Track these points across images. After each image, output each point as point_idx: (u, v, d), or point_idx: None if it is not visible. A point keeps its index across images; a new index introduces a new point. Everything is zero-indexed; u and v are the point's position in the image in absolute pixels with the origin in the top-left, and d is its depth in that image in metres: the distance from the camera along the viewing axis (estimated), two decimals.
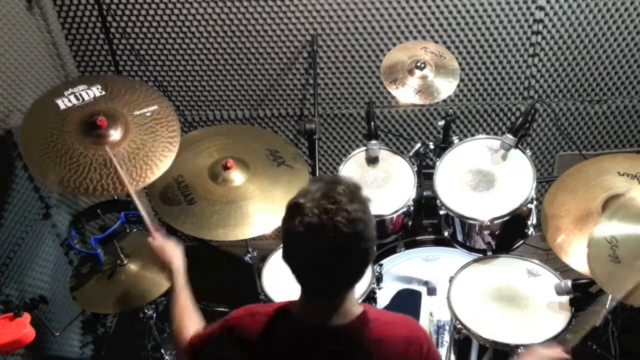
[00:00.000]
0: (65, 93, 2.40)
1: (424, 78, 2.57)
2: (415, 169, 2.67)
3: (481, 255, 2.51)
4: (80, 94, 2.41)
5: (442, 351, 2.56)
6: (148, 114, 2.42)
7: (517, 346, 2.14)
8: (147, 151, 2.32)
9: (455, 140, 2.72)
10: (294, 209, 1.36)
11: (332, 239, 1.32)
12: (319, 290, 1.46)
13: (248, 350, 1.51)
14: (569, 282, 2.20)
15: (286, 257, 1.43)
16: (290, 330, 1.49)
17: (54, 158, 2.23)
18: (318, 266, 1.38)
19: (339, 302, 1.46)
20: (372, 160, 2.71)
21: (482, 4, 2.86)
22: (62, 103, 2.37)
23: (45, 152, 2.24)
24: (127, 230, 2.68)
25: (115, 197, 2.67)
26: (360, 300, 2.19)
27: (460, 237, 2.57)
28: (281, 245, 2.51)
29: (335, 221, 1.32)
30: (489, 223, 2.38)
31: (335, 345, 1.46)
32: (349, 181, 1.41)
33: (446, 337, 2.55)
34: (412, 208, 2.60)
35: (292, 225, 1.35)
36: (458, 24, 2.93)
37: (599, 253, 1.98)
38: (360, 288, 2.33)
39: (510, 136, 2.48)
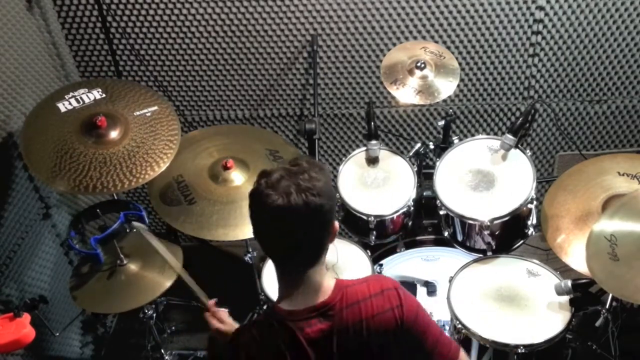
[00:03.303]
0: (66, 96, 2.42)
1: (424, 78, 2.57)
2: (415, 169, 2.67)
3: (481, 255, 2.51)
4: (81, 97, 2.43)
5: None
6: (148, 114, 2.43)
7: (517, 346, 2.14)
8: (147, 149, 2.32)
9: (455, 140, 2.72)
10: (261, 174, 1.48)
11: (291, 194, 1.41)
12: (288, 261, 1.52)
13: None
14: (569, 282, 2.20)
15: (254, 223, 1.50)
16: (282, 323, 1.52)
17: (54, 158, 2.24)
18: (281, 226, 1.44)
19: (312, 279, 1.52)
20: (372, 160, 2.70)
21: (482, 4, 2.86)
22: (63, 106, 2.39)
23: (46, 152, 2.25)
24: (127, 230, 2.68)
25: (115, 197, 2.68)
26: None
27: (460, 237, 2.57)
28: None
29: (296, 179, 1.43)
30: (489, 223, 2.38)
31: (323, 322, 1.51)
32: (311, 158, 1.56)
33: None
34: (412, 208, 2.60)
35: (257, 185, 1.46)
36: (458, 24, 2.93)
37: (598, 251, 1.98)
38: None
39: (510, 136, 2.48)
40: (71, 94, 2.43)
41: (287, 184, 1.42)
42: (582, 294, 2.20)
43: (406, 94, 2.56)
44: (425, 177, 2.78)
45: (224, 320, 1.83)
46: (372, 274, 2.49)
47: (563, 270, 2.35)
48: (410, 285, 2.70)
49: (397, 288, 1.60)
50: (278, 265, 1.55)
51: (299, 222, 1.44)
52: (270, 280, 2.51)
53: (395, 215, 2.56)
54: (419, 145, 2.79)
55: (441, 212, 2.52)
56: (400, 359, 1.60)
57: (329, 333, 1.51)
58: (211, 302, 1.89)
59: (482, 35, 2.95)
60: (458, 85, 2.69)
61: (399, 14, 2.91)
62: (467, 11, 2.89)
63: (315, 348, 1.51)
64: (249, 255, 2.88)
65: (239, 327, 1.67)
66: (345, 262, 2.50)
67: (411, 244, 2.80)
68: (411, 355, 1.60)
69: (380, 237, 2.62)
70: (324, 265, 1.56)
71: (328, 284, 1.55)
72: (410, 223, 2.69)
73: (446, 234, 2.60)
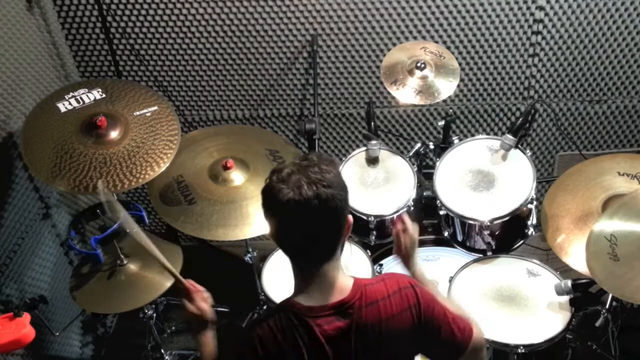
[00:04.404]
0: (66, 97, 2.42)
1: (424, 78, 2.57)
2: (415, 169, 2.67)
3: (481, 255, 2.51)
4: (81, 97, 2.43)
5: None
6: (148, 114, 2.43)
7: (517, 346, 2.14)
8: (147, 149, 2.32)
9: (455, 140, 2.72)
10: (272, 171, 1.49)
11: (302, 188, 1.41)
12: (304, 256, 1.52)
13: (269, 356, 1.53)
14: (569, 282, 2.21)
15: (268, 218, 1.49)
16: (300, 319, 1.51)
17: (54, 158, 2.24)
18: (294, 220, 1.45)
19: (329, 275, 1.52)
20: (372, 160, 2.71)
21: (482, 4, 2.86)
22: (63, 106, 2.39)
23: (46, 152, 2.25)
24: (127, 231, 2.68)
25: (115, 197, 2.67)
26: None
27: (460, 237, 2.57)
28: None
29: (306, 172, 1.44)
30: (489, 223, 2.38)
31: (341, 320, 1.51)
32: (320, 152, 1.56)
33: None
34: (412, 208, 2.60)
35: (269, 181, 1.47)
36: (458, 24, 2.93)
37: (599, 251, 1.98)
38: None
39: (510, 136, 2.48)
40: (71, 94, 2.44)
41: (297, 178, 1.43)
42: (582, 294, 2.20)
43: (406, 94, 2.57)
44: (425, 177, 2.78)
45: (206, 302, 1.79)
46: (372, 273, 2.49)
47: (563, 270, 2.35)
48: None
49: (414, 285, 1.60)
50: (294, 260, 1.54)
51: (312, 215, 1.43)
52: (270, 280, 2.51)
53: (395, 215, 2.56)
54: (419, 145, 2.79)
55: (441, 212, 2.53)
56: (418, 352, 1.61)
57: (348, 331, 1.51)
58: (191, 282, 1.83)
59: (482, 35, 2.95)
60: (458, 85, 2.69)
61: (399, 14, 2.91)
62: (467, 11, 2.89)
63: (333, 345, 1.51)
64: (249, 255, 2.88)
65: (252, 320, 1.66)
66: (345, 262, 2.49)
67: None
68: (428, 346, 1.60)
69: (380, 237, 2.62)
70: (340, 260, 1.56)
71: (346, 282, 1.55)
72: None
73: (446, 234, 2.60)
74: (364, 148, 2.73)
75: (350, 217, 1.52)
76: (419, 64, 2.57)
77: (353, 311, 1.51)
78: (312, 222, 1.45)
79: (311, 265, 1.53)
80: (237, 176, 2.56)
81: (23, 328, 1.93)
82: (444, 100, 2.82)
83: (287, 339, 1.51)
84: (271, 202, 1.47)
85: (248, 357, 1.54)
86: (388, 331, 1.53)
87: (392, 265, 2.75)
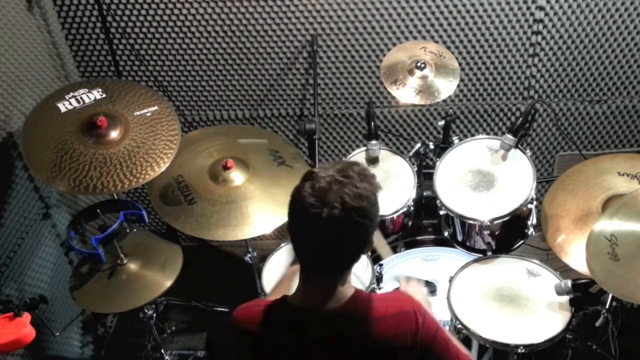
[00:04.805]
0: (66, 96, 2.42)
1: (424, 78, 2.57)
2: (415, 169, 2.67)
3: (481, 255, 2.51)
4: (81, 97, 2.44)
5: None
6: (148, 114, 2.43)
7: (517, 346, 2.14)
8: (147, 149, 2.33)
9: (455, 140, 2.72)
10: (308, 175, 1.44)
11: (336, 209, 1.37)
12: (316, 269, 1.50)
13: (248, 340, 1.55)
14: (569, 282, 2.20)
15: (291, 224, 1.47)
16: (285, 317, 1.52)
17: (54, 158, 2.24)
18: (318, 236, 1.42)
19: (334, 286, 1.50)
20: (372, 160, 2.71)
21: (482, 4, 2.86)
22: (63, 106, 2.40)
23: (46, 152, 2.25)
24: (127, 230, 2.68)
25: (115, 197, 2.68)
26: None
27: (460, 237, 2.57)
28: (281, 246, 2.52)
29: (343, 192, 1.38)
30: (489, 223, 2.39)
31: (327, 330, 1.50)
32: (364, 166, 1.49)
33: None
34: (412, 208, 2.60)
35: (302, 187, 1.42)
36: (458, 24, 2.93)
37: (599, 251, 1.98)
38: (361, 288, 2.33)
39: (510, 136, 2.48)
40: (71, 94, 2.44)
41: (333, 198, 1.38)
42: (582, 294, 2.20)
43: (406, 94, 2.57)
44: (425, 177, 2.78)
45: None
46: (371, 273, 2.49)
47: (563, 270, 2.35)
48: None
49: (416, 311, 1.54)
50: (306, 269, 1.52)
51: (339, 237, 1.42)
52: (270, 281, 2.51)
53: (395, 215, 2.56)
54: (419, 145, 2.79)
55: (441, 212, 2.52)
56: None
57: (335, 340, 1.50)
58: None
59: (482, 35, 2.95)
60: (458, 85, 2.69)
61: (399, 14, 2.91)
62: (467, 11, 2.89)
63: (319, 351, 1.51)
64: (249, 255, 2.88)
65: (241, 317, 1.63)
66: None
67: (411, 244, 2.80)
68: None
69: None
70: (351, 273, 1.54)
71: (346, 292, 1.53)
72: (410, 223, 2.69)
73: (446, 234, 2.60)
74: (364, 148, 2.73)
75: (373, 237, 1.49)
76: (419, 64, 2.57)
77: (346, 321, 1.50)
78: (336, 244, 1.43)
79: (322, 277, 1.51)
80: (237, 176, 2.56)
81: (23, 328, 1.93)
82: (444, 100, 2.83)
83: (275, 339, 1.51)
84: (300, 212, 1.43)
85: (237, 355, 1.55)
86: (380, 348, 1.51)
87: (392, 265, 2.75)
